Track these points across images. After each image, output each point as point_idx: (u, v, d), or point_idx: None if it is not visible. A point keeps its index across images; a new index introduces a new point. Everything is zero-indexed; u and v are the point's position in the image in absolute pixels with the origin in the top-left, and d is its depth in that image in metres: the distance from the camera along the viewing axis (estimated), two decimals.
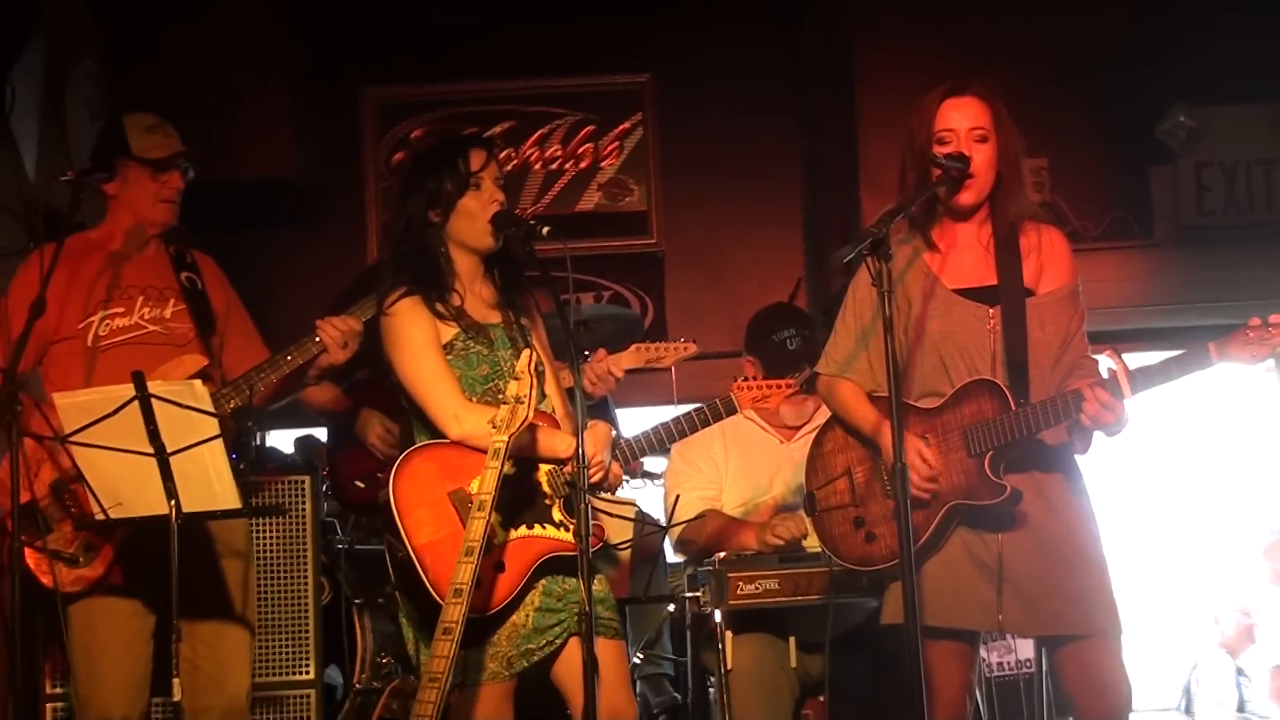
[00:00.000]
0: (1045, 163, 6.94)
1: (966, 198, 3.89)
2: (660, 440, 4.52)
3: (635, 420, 4.75)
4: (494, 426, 3.69)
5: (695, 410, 4.57)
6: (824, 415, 4.28)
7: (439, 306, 4.00)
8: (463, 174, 4.03)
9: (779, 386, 4.58)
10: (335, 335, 4.30)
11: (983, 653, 4.96)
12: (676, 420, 4.51)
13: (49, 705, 4.85)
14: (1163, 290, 7.05)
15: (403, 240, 4.09)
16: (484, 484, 3.64)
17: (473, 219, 4.03)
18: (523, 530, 3.90)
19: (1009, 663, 5.41)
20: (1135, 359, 3.89)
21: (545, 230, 3.94)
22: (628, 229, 7.63)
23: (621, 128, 7.68)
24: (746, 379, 4.73)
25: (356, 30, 7.52)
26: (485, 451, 3.72)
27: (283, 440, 6.53)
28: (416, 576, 3.76)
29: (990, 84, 3.97)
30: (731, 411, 4.55)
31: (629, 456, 4.48)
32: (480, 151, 4.08)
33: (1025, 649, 5.16)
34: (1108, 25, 7.05)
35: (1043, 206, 6.81)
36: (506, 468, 3.70)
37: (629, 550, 5.23)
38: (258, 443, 5.68)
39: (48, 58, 5.58)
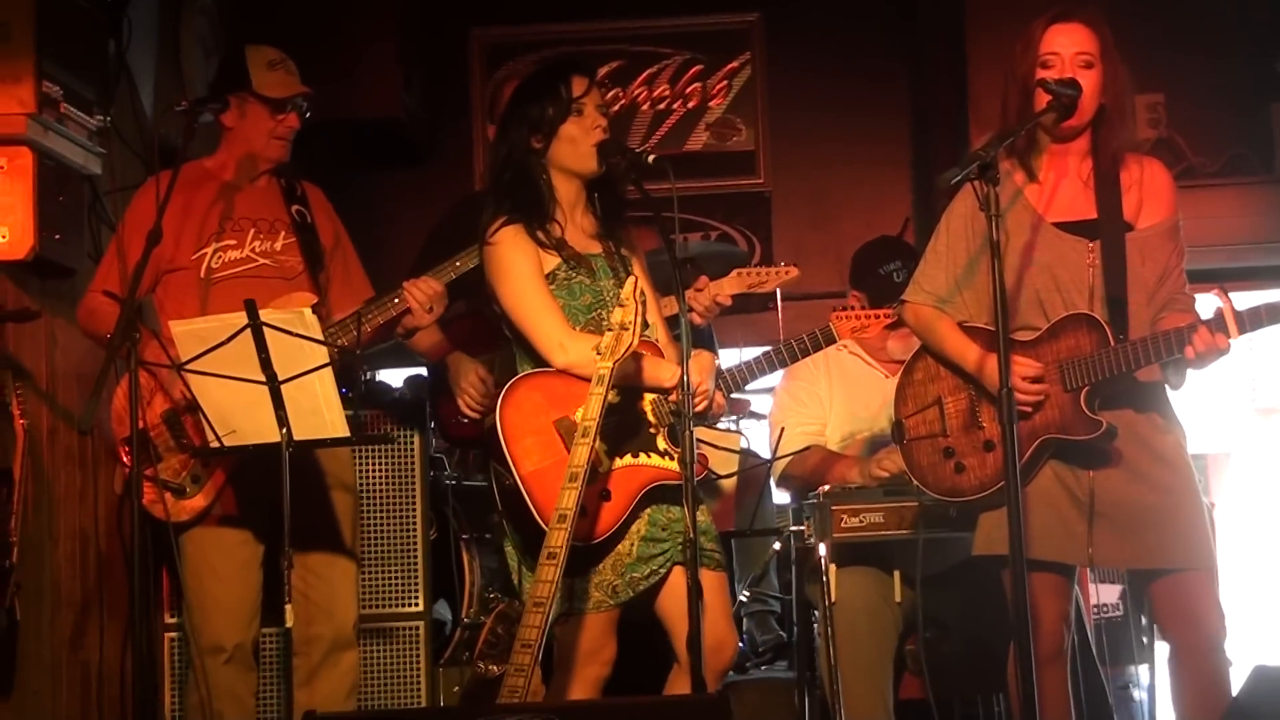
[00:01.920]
0: (1162, 98, 6.79)
1: (1069, 122, 3.83)
2: (760, 369, 4.51)
3: (739, 359, 4.74)
4: (598, 353, 3.69)
5: (795, 340, 4.54)
6: None
7: (540, 235, 4.00)
8: (564, 99, 4.01)
9: (877, 316, 4.55)
10: (421, 299, 4.34)
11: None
12: (776, 349, 4.49)
13: (166, 635, 4.96)
14: None
15: (504, 168, 4.08)
16: (588, 410, 3.65)
17: (575, 144, 4.01)
18: (628, 459, 3.91)
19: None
20: (1255, 297, 3.84)
21: (651, 158, 3.93)
22: (735, 169, 7.58)
23: (729, 67, 7.62)
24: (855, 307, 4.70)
25: None
26: (590, 380, 3.73)
27: (392, 378, 6.59)
28: (523, 503, 3.78)
29: (1098, 13, 3.91)
30: (830, 340, 4.51)
31: (731, 387, 4.47)
32: (583, 77, 4.05)
33: (1107, 594, 5.11)
34: None
35: (1159, 142, 6.71)
36: (611, 396, 3.70)
37: (733, 482, 5.24)
38: (367, 378, 5.73)
39: None
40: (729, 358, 5.94)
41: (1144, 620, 5.02)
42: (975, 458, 3.92)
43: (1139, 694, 5.23)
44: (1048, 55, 3.83)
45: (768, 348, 4.72)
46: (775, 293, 4.93)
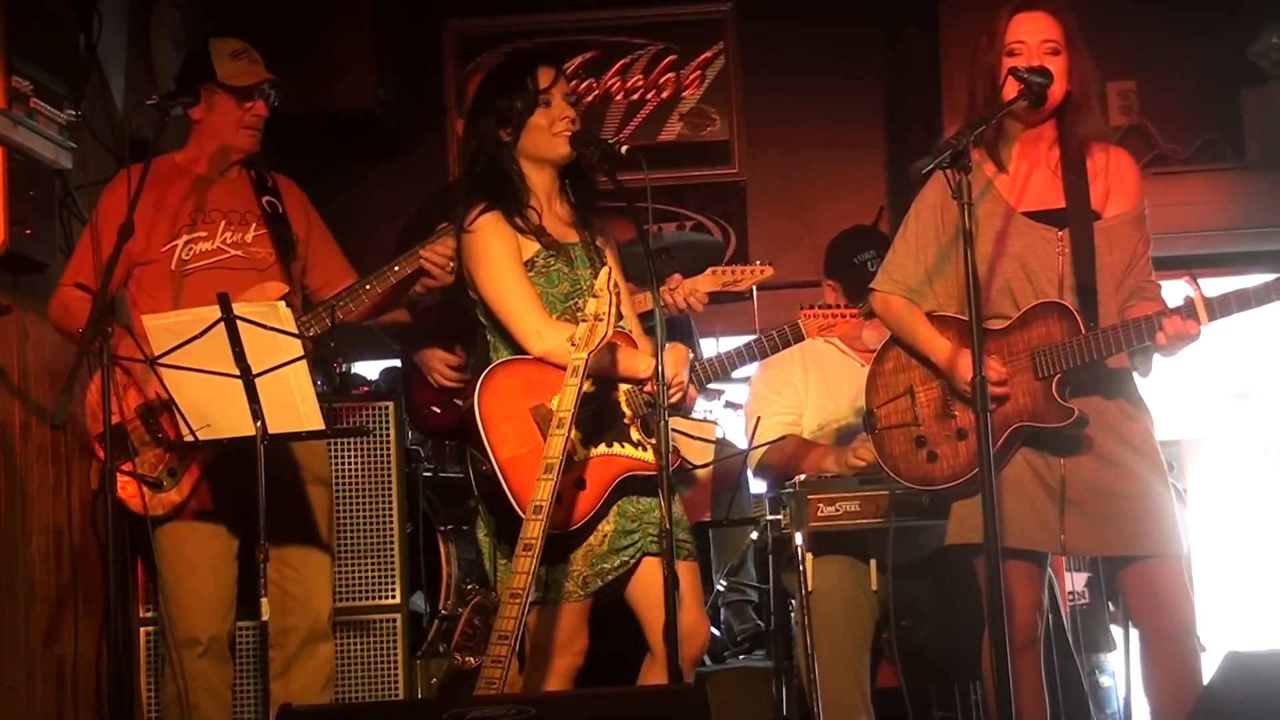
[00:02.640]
0: (1133, 85, 6.81)
1: (1041, 107, 3.84)
2: (726, 367, 4.51)
3: (716, 349, 4.74)
4: (573, 344, 3.70)
5: (764, 336, 4.55)
6: None
7: (519, 221, 4.01)
8: (531, 92, 4.02)
9: (843, 316, 4.55)
10: (440, 259, 4.31)
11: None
12: (747, 346, 4.49)
13: (142, 629, 4.94)
14: (1255, 213, 6.88)
15: (475, 161, 4.09)
16: (563, 401, 3.66)
17: (543, 133, 4.03)
18: (602, 449, 3.93)
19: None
20: (1226, 283, 3.86)
21: (624, 149, 3.93)
22: (710, 159, 7.57)
23: (703, 57, 7.61)
24: (824, 305, 4.70)
25: None
26: (567, 368, 3.74)
27: (368, 371, 6.58)
28: (499, 490, 3.79)
29: (1063, 2, 3.93)
30: (799, 338, 4.51)
31: (703, 381, 4.47)
32: (549, 68, 4.07)
33: (1075, 581, 5.13)
34: None
35: (1131, 129, 6.74)
36: (586, 386, 3.71)
37: (708, 472, 5.24)
38: (342, 370, 5.71)
39: None
40: (706, 347, 5.96)
41: (1112, 607, 5.05)
42: (948, 446, 3.94)
43: (1107, 680, 5.26)
44: (1014, 44, 3.85)
45: (742, 339, 4.72)
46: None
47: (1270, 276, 3.72)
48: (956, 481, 3.89)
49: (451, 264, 4.32)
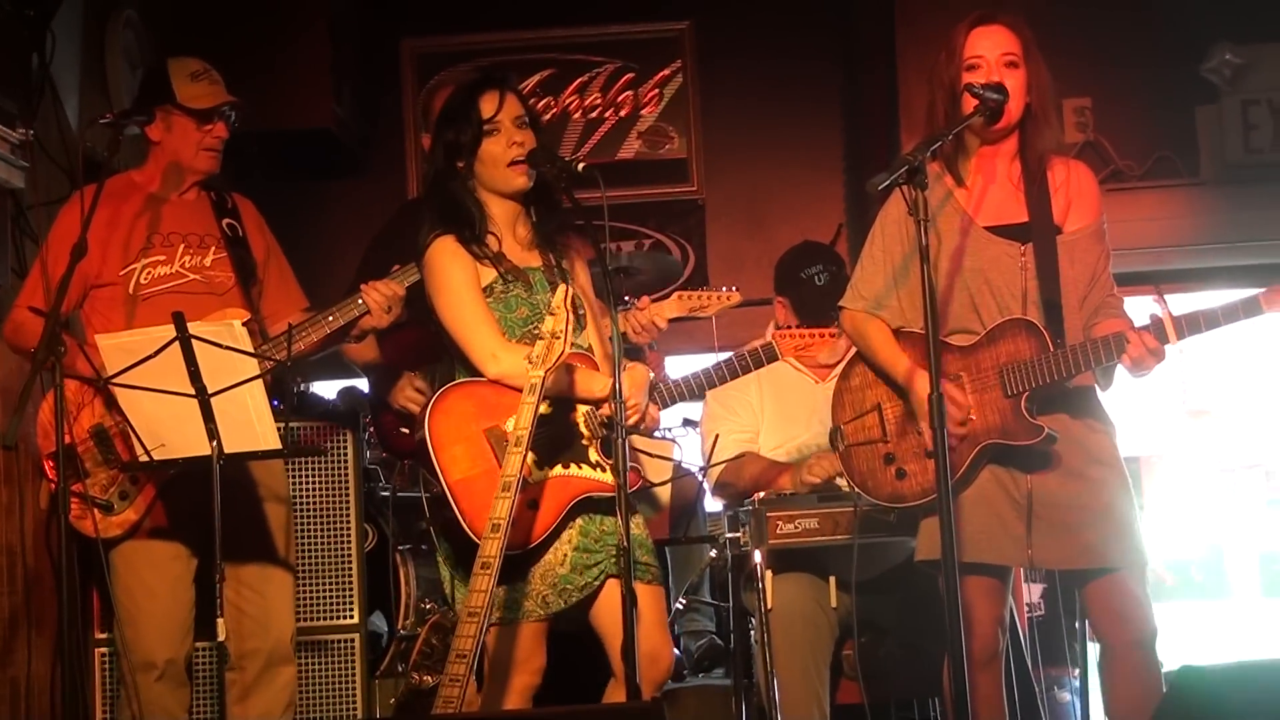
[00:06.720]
0: (1089, 102, 6.87)
1: (997, 124, 3.85)
2: (700, 386, 4.50)
3: (674, 367, 4.74)
4: (530, 362, 3.69)
5: (736, 356, 4.53)
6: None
7: (475, 249, 4.00)
8: (476, 124, 4.01)
9: (820, 336, 4.51)
10: (379, 300, 4.30)
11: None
12: (716, 367, 4.48)
13: (97, 650, 4.91)
14: (1209, 229, 6.96)
15: (431, 192, 4.11)
16: (520, 420, 3.65)
17: (495, 164, 4.02)
18: (559, 469, 3.91)
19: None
20: (1182, 299, 3.89)
21: (581, 166, 3.92)
22: (668, 177, 7.58)
23: (661, 75, 7.62)
24: (779, 326, 4.70)
25: None
26: (522, 390, 3.72)
27: (326, 390, 6.56)
28: (451, 512, 3.78)
29: (1019, 15, 3.96)
30: (773, 358, 4.49)
31: (668, 400, 4.46)
32: (492, 94, 4.03)
33: (1032, 593, 5.15)
34: None
35: (1086, 145, 6.79)
36: (543, 407, 3.70)
37: (668, 490, 5.23)
38: (300, 389, 5.68)
39: (88, 7, 5.58)
40: (669, 365, 5.95)
41: (1077, 625, 5.06)
42: (917, 463, 3.93)
43: (1065, 695, 5.27)
44: (973, 59, 3.86)
45: (701, 356, 4.74)
46: None
47: (1232, 294, 3.75)
48: (928, 499, 3.86)
49: (390, 306, 4.31)
